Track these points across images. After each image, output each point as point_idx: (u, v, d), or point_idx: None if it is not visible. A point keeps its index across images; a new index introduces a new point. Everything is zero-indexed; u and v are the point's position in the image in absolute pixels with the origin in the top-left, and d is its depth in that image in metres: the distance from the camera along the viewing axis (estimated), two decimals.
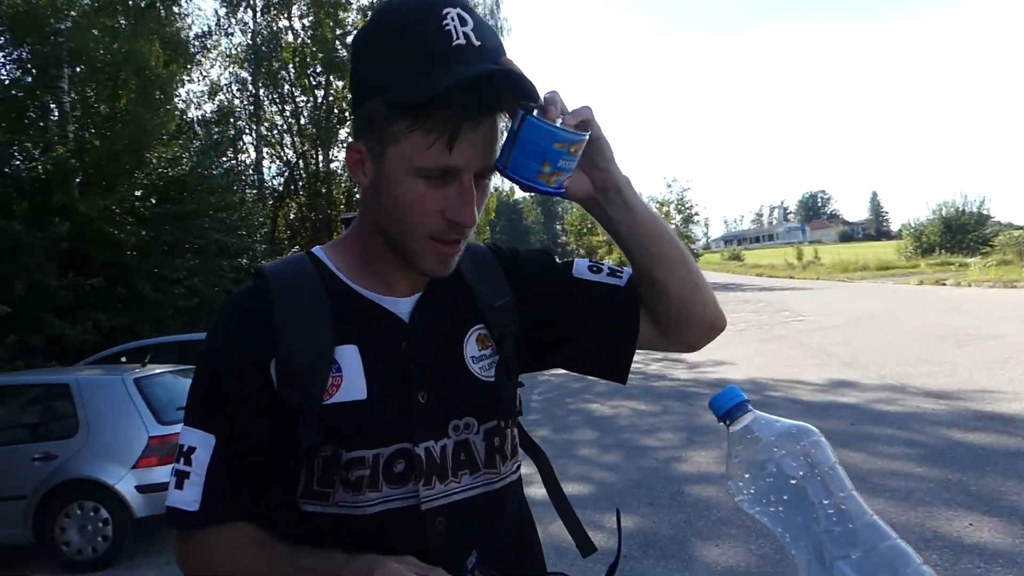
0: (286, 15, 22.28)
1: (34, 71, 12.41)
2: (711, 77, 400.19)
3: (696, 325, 1.15)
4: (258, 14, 22.24)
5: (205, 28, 22.49)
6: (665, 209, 38.79)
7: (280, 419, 0.98)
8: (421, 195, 0.95)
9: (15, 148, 11.73)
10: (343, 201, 22.21)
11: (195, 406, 1.02)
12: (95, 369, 7.06)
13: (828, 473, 0.64)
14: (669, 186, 47.75)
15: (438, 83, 0.88)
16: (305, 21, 22.24)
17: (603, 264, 1.20)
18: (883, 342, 12.19)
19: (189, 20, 21.49)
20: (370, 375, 1.00)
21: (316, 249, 1.12)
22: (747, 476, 0.66)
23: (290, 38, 22.17)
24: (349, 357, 1.01)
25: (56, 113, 12.93)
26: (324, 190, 21.89)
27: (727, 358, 12.57)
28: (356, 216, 1.11)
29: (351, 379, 1.00)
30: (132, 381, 5.87)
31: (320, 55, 21.40)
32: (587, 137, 0.97)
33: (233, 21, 22.61)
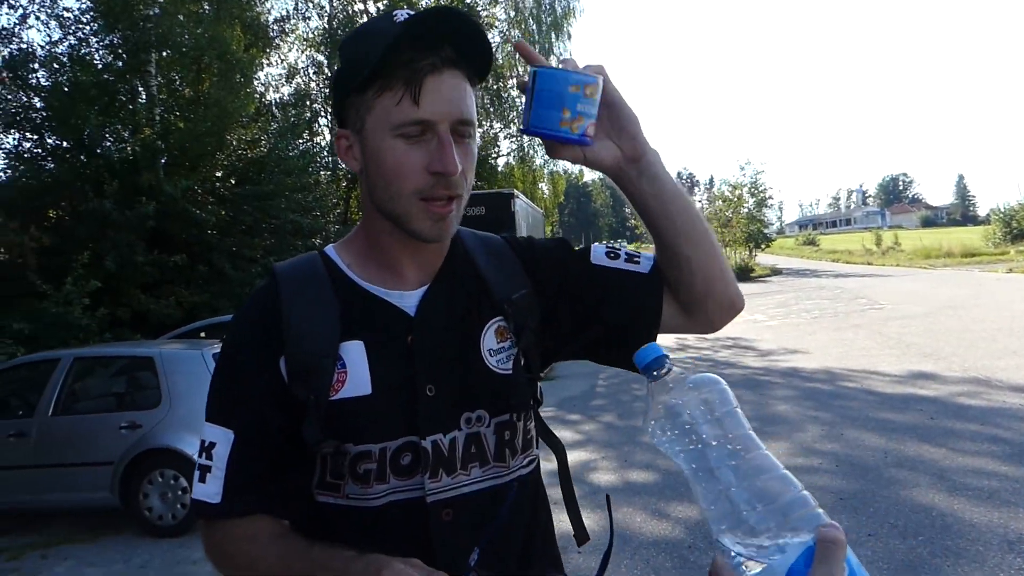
0: None
1: (124, 56, 12.91)
2: (787, 55, 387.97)
3: (718, 301, 1.15)
4: None
5: (284, 12, 23.05)
6: (738, 192, 37.78)
7: (292, 414, 1.01)
8: (402, 154, 0.98)
9: (107, 130, 12.23)
10: None
11: (214, 403, 1.06)
12: (177, 343, 7.36)
13: (728, 415, 0.72)
14: (742, 168, 46.66)
15: (389, 44, 0.95)
16: (380, 4, 22.45)
17: (620, 249, 1.20)
18: (967, 332, 11.68)
19: (268, 4, 22.07)
20: (375, 370, 1.02)
21: (328, 248, 1.14)
22: (665, 421, 0.75)
23: (365, 20, 22.47)
24: (354, 353, 1.02)
25: (144, 96, 13.43)
26: None
27: (800, 346, 12.27)
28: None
29: (356, 374, 1.01)
30: (211, 356, 6.10)
31: None
32: (600, 80, 0.99)
33: (310, 5, 23.02)
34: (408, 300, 1.07)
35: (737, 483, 0.67)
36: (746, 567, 0.66)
